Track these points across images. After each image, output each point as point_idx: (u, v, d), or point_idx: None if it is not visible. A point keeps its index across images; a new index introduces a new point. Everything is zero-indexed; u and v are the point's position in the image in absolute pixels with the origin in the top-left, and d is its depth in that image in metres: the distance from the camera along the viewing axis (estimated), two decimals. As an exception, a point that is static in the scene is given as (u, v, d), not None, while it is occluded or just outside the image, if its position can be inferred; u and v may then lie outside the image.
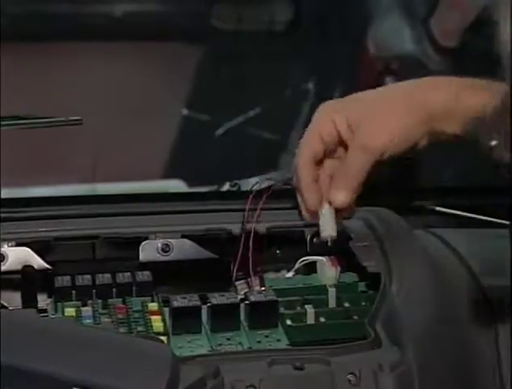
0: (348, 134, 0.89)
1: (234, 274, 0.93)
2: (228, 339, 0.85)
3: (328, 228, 0.90)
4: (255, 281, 0.93)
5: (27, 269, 0.92)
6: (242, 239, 0.93)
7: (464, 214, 0.99)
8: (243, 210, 0.98)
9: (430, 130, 0.88)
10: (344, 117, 0.88)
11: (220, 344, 0.85)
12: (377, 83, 1.48)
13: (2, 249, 0.92)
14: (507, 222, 0.93)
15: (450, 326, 0.84)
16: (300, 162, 0.90)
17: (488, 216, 1.03)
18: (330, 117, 0.89)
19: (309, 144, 0.90)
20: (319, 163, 0.91)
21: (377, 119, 0.88)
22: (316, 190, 0.90)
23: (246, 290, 0.91)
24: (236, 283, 0.93)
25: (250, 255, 0.92)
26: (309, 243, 0.96)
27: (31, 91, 1.65)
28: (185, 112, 1.77)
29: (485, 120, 0.74)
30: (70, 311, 0.88)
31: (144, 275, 0.92)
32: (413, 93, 0.89)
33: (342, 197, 0.89)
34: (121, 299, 0.90)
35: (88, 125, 1.04)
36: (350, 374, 0.78)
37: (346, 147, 0.90)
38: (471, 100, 0.84)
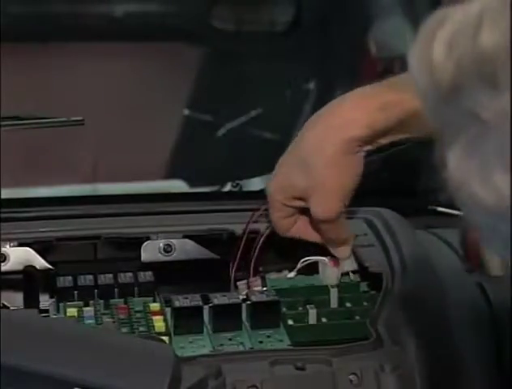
0: (303, 203, 0.89)
1: (233, 274, 0.93)
2: (230, 340, 0.86)
3: (329, 279, 0.92)
4: (257, 281, 0.93)
5: (29, 269, 0.92)
6: (243, 240, 0.93)
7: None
8: (245, 210, 0.98)
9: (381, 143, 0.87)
10: (290, 196, 0.88)
11: (222, 345, 0.85)
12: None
13: (4, 249, 0.92)
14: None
15: (451, 326, 0.85)
16: (274, 224, 0.91)
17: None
18: (282, 204, 0.89)
19: (276, 220, 0.91)
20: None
21: (321, 189, 0.87)
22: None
23: (248, 290, 0.91)
24: (238, 283, 0.93)
25: (254, 256, 0.92)
26: None
27: (31, 91, 1.65)
28: (186, 112, 1.77)
29: None
30: (71, 311, 0.88)
31: (146, 276, 0.92)
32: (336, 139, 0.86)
33: (342, 251, 0.91)
34: (123, 299, 0.90)
35: (90, 125, 1.04)
36: (351, 374, 0.78)
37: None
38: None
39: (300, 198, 0.88)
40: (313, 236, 0.91)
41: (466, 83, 0.45)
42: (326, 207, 0.87)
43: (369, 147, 0.86)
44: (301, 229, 0.91)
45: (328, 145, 0.85)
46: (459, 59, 0.45)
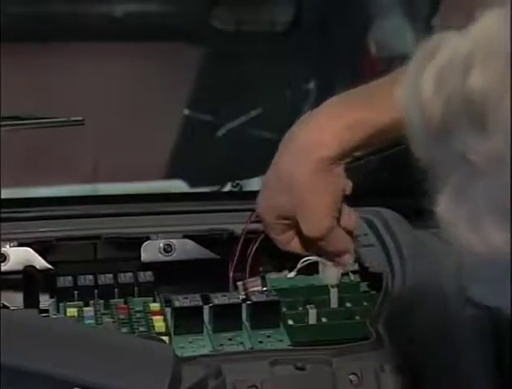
0: (293, 221, 0.88)
1: (231, 274, 0.93)
2: (230, 340, 0.86)
3: (329, 279, 0.91)
4: (257, 281, 0.93)
5: (29, 269, 0.92)
6: (241, 240, 0.93)
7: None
8: (245, 210, 0.98)
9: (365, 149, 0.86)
10: (278, 215, 0.88)
11: (222, 345, 0.85)
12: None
13: (4, 249, 0.92)
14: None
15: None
16: (273, 239, 0.91)
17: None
18: (273, 223, 0.89)
19: (274, 236, 0.91)
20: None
21: (305, 210, 0.87)
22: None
23: (248, 290, 0.91)
24: (238, 283, 0.93)
25: (250, 256, 0.92)
26: None
27: (31, 91, 1.65)
28: (186, 112, 1.77)
29: None
30: (71, 311, 0.88)
31: (146, 276, 0.92)
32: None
33: (346, 259, 0.91)
34: (123, 299, 0.90)
35: (90, 125, 1.04)
36: (352, 374, 0.78)
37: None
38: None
39: (288, 218, 0.88)
40: (311, 250, 0.91)
41: (455, 122, 0.43)
42: (313, 226, 0.87)
43: (345, 160, 0.85)
44: (299, 245, 0.91)
45: (301, 167, 0.85)
46: (448, 97, 0.44)
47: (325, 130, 0.84)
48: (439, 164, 0.45)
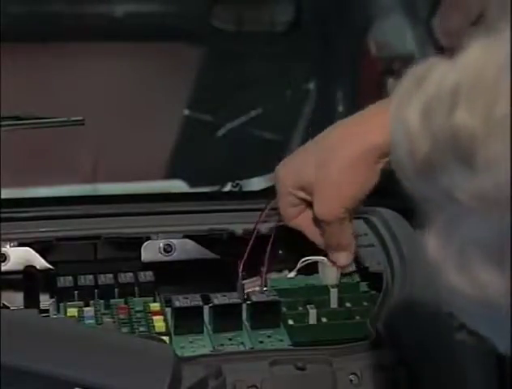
0: (310, 198, 0.88)
1: (240, 274, 0.92)
2: (230, 340, 0.86)
3: (329, 279, 0.91)
4: (257, 281, 0.93)
5: (29, 269, 0.92)
6: (252, 239, 0.92)
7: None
8: (245, 210, 0.98)
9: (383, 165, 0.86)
10: (297, 184, 0.88)
11: (222, 344, 0.85)
12: (379, 83, 1.48)
13: (4, 249, 0.92)
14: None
15: (452, 326, 0.85)
16: (281, 210, 0.90)
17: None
18: (288, 191, 0.89)
19: (282, 207, 0.90)
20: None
21: (327, 189, 0.86)
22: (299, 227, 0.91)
23: (251, 290, 0.91)
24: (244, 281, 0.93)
25: (267, 255, 0.92)
26: None
27: (31, 91, 1.65)
28: (186, 112, 1.77)
29: None
30: (72, 311, 0.89)
31: (146, 276, 0.92)
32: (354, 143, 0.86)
33: (343, 259, 0.91)
34: (123, 299, 0.90)
35: (90, 125, 1.04)
36: (352, 374, 0.78)
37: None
38: None
39: (305, 190, 0.88)
40: (314, 234, 0.90)
41: (441, 158, 0.42)
42: (326, 208, 0.86)
43: (386, 159, 0.85)
44: (304, 222, 0.90)
45: (348, 149, 0.85)
46: (435, 132, 0.42)
47: (382, 117, 0.83)
48: (426, 200, 0.44)
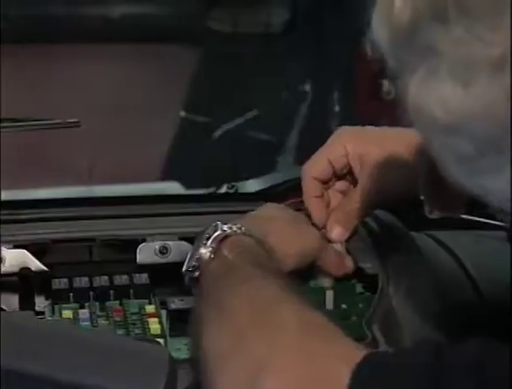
0: (358, 170, 0.88)
1: None
2: (226, 341, 0.85)
3: (324, 280, 0.91)
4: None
5: (25, 271, 0.92)
6: None
7: (462, 216, 0.99)
8: (241, 212, 0.98)
9: None
10: (357, 152, 0.87)
11: (218, 346, 0.85)
12: (375, 84, 1.48)
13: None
14: (504, 224, 0.93)
15: (447, 327, 0.84)
16: (306, 178, 0.89)
17: (485, 218, 1.03)
18: (344, 146, 0.88)
19: (316, 165, 0.89)
20: (327, 181, 0.90)
21: (389, 167, 0.86)
22: (320, 206, 0.89)
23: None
24: None
25: None
26: None
27: (29, 93, 1.65)
28: (182, 114, 1.77)
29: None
30: (67, 313, 0.88)
31: (142, 278, 0.92)
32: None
33: (338, 232, 0.89)
34: (118, 301, 0.90)
35: (86, 127, 1.04)
36: (347, 375, 0.78)
37: (354, 178, 0.89)
38: None
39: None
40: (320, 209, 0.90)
41: (422, 22, 0.54)
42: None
43: None
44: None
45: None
46: (415, 3, 0.55)
47: None
48: (408, 62, 0.56)
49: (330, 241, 0.89)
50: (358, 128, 0.90)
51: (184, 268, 0.81)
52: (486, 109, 0.53)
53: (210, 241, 0.79)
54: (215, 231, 0.79)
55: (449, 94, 0.54)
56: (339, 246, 0.89)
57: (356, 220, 0.89)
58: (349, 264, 0.89)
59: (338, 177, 0.90)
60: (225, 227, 0.80)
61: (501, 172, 0.55)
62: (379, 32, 0.58)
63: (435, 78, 0.55)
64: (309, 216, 0.90)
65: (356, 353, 0.62)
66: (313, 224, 0.89)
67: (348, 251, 0.90)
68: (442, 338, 0.81)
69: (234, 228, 0.80)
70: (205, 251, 0.79)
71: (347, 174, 0.90)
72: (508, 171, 0.55)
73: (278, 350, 0.65)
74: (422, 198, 0.80)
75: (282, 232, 0.84)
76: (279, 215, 0.87)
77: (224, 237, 0.79)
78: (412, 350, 0.65)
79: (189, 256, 0.81)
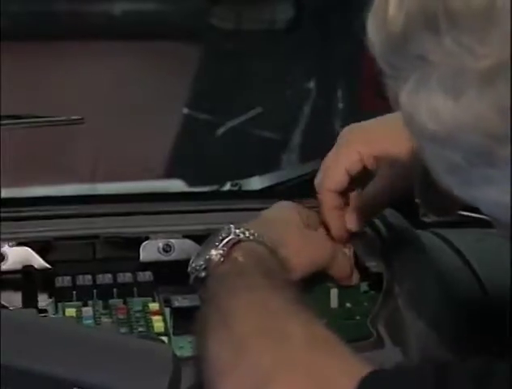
0: (374, 166, 0.87)
1: None
2: (230, 340, 0.86)
3: None
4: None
5: (28, 269, 0.92)
6: None
7: (467, 213, 0.99)
8: (244, 210, 0.98)
9: None
10: (371, 153, 0.87)
11: (222, 345, 0.85)
12: (380, 82, 1.48)
13: (3, 248, 0.92)
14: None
15: (453, 326, 0.85)
16: (323, 192, 0.88)
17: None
18: (357, 151, 0.87)
19: (333, 177, 0.88)
20: (344, 192, 0.89)
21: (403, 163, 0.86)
22: (339, 219, 0.89)
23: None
24: None
25: None
26: None
27: (30, 90, 1.66)
28: (185, 111, 1.77)
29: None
30: (70, 311, 0.89)
31: (145, 276, 0.92)
32: None
33: (355, 222, 0.89)
34: (121, 299, 0.91)
35: (88, 124, 1.04)
36: (352, 374, 0.78)
37: (369, 174, 0.89)
38: None
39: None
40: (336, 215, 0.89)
41: (414, 31, 0.55)
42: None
43: None
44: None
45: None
46: (408, 11, 0.55)
47: None
48: (400, 70, 0.57)
49: (341, 243, 0.90)
50: (364, 126, 0.89)
51: (190, 266, 0.81)
52: (476, 121, 0.54)
53: (222, 244, 0.78)
54: (228, 234, 0.79)
55: (439, 105, 0.55)
56: (346, 251, 0.90)
57: (371, 216, 0.90)
58: (356, 277, 0.90)
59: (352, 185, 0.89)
60: (238, 231, 0.79)
61: (492, 184, 0.55)
62: (373, 36, 0.58)
63: (426, 88, 0.55)
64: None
65: (361, 368, 0.63)
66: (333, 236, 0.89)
67: (356, 255, 0.90)
68: (444, 351, 0.81)
69: (247, 234, 0.80)
70: (215, 253, 0.78)
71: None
72: (500, 183, 0.55)
73: (283, 364, 0.65)
74: (417, 200, 0.80)
75: (295, 242, 0.84)
76: (293, 218, 0.86)
77: (237, 242, 0.79)
78: (416, 368, 0.65)
79: (196, 254, 0.81)
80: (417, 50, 0.55)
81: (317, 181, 0.89)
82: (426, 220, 0.79)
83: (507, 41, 0.52)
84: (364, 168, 0.87)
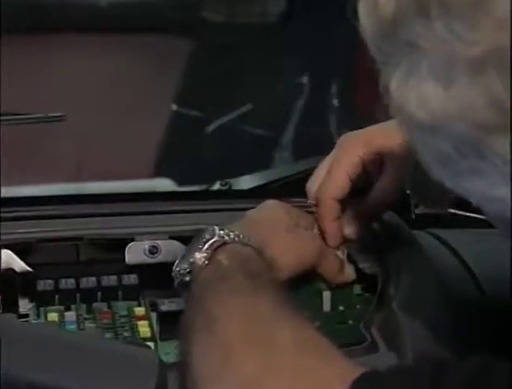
0: (376, 165, 0.88)
1: None
2: (218, 345, 0.85)
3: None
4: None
5: (8, 272, 0.92)
6: None
7: (463, 213, 0.99)
8: (234, 209, 0.98)
9: None
10: (368, 149, 0.88)
11: (210, 350, 0.85)
12: (377, 76, 1.48)
13: (-18, 251, 0.91)
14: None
15: (450, 329, 0.84)
16: (325, 200, 0.88)
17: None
18: (357, 154, 0.88)
19: (336, 183, 0.88)
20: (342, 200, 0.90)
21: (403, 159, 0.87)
22: (338, 230, 0.89)
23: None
24: None
25: None
26: None
27: (12, 86, 1.65)
28: (174, 107, 1.77)
29: None
30: (52, 316, 0.88)
31: (130, 279, 0.92)
32: None
33: (354, 230, 0.89)
34: (106, 303, 0.90)
35: (72, 121, 1.04)
36: (345, 380, 0.78)
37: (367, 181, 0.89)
38: None
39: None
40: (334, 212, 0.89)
41: (406, 16, 0.55)
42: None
43: None
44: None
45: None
46: None
47: None
48: (391, 57, 0.57)
49: (333, 247, 0.89)
50: (359, 131, 0.90)
51: (175, 270, 0.80)
52: (465, 110, 0.54)
53: (205, 247, 0.78)
54: (212, 236, 0.79)
55: (429, 93, 0.55)
56: (340, 253, 0.89)
57: (371, 218, 0.90)
58: (349, 273, 0.90)
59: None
60: (223, 233, 0.79)
61: (481, 175, 0.56)
62: (364, 20, 0.59)
63: (416, 76, 0.56)
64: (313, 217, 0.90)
65: (353, 371, 0.62)
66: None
67: (350, 258, 0.90)
68: (442, 354, 0.81)
69: (232, 236, 0.79)
70: (199, 257, 0.78)
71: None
72: (489, 175, 0.56)
73: (270, 369, 0.65)
74: (408, 192, 0.81)
75: (282, 242, 0.84)
76: (280, 218, 0.86)
77: (221, 244, 0.79)
78: (410, 368, 0.65)
79: (180, 257, 0.81)
80: (408, 36, 0.56)
81: (312, 188, 0.89)
82: (417, 211, 0.79)
83: (498, 28, 0.52)
84: (365, 171, 0.88)
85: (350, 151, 0.88)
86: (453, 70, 0.54)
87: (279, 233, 0.84)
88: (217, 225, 0.80)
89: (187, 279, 0.79)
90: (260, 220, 0.86)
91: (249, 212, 0.87)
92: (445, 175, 0.59)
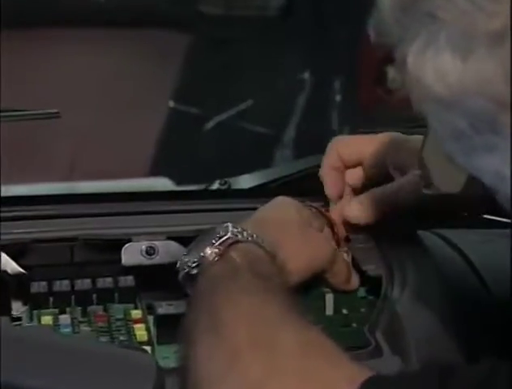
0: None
1: None
2: (218, 349, 0.85)
3: None
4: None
5: (1, 274, 0.92)
6: None
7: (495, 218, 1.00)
8: (233, 209, 0.98)
9: None
10: (352, 157, 0.91)
11: (209, 354, 0.85)
12: (379, 72, 1.48)
13: (-26, 253, 0.91)
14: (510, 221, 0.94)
15: (455, 332, 0.85)
16: (331, 149, 0.92)
17: (492, 215, 1.03)
18: (378, 148, 0.91)
19: (348, 140, 0.93)
20: (348, 167, 0.93)
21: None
22: (337, 181, 0.92)
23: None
24: None
25: None
26: None
27: (12, 82, 1.65)
28: (171, 104, 1.77)
29: None
30: (46, 319, 0.88)
31: (127, 280, 0.92)
32: None
33: (355, 211, 0.90)
34: (101, 306, 0.90)
35: (67, 118, 1.04)
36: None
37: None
38: None
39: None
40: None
41: None
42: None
43: None
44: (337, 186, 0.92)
45: None
46: None
47: None
48: (408, 29, 0.59)
49: (338, 245, 0.90)
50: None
51: (182, 260, 0.81)
52: (482, 84, 0.56)
53: (218, 243, 0.79)
54: (226, 233, 0.80)
55: (447, 65, 0.57)
56: (345, 255, 0.90)
57: (380, 209, 0.90)
58: (355, 281, 0.90)
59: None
60: (236, 231, 0.80)
61: (495, 152, 0.58)
62: None
63: (434, 47, 0.57)
64: (327, 220, 0.91)
65: (359, 373, 0.63)
66: (325, 197, 0.91)
67: (353, 260, 0.90)
68: (447, 357, 0.81)
69: (245, 235, 0.80)
70: (210, 251, 0.79)
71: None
72: (503, 151, 0.57)
73: (275, 371, 0.65)
74: (418, 172, 0.81)
75: (294, 245, 0.84)
76: (292, 218, 0.87)
77: (234, 242, 0.79)
78: (418, 373, 0.65)
79: (188, 250, 0.81)
80: (428, 7, 0.57)
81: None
82: (427, 191, 0.80)
83: None
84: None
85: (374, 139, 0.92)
86: (472, 41, 0.56)
87: (292, 236, 0.85)
88: (230, 222, 0.81)
89: (194, 272, 0.79)
90: (271, 219, 0.86)
91: (259, 210, 0.88)
92: (458, 151, 0.60)
